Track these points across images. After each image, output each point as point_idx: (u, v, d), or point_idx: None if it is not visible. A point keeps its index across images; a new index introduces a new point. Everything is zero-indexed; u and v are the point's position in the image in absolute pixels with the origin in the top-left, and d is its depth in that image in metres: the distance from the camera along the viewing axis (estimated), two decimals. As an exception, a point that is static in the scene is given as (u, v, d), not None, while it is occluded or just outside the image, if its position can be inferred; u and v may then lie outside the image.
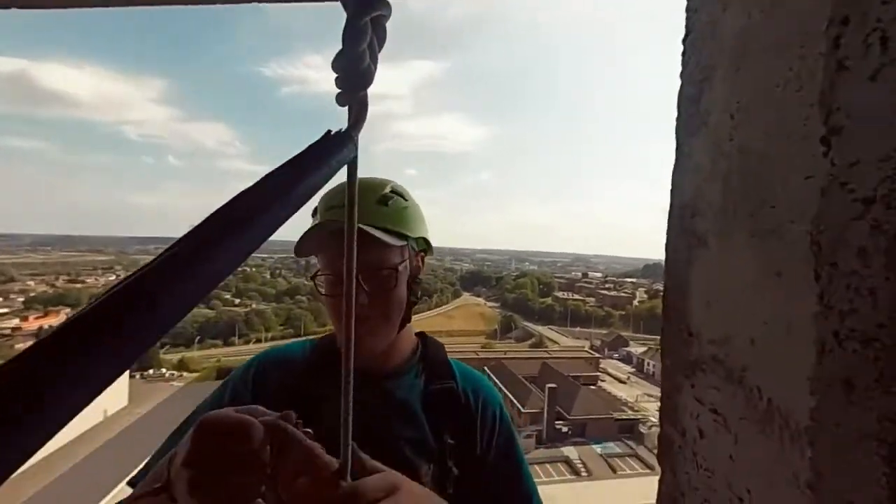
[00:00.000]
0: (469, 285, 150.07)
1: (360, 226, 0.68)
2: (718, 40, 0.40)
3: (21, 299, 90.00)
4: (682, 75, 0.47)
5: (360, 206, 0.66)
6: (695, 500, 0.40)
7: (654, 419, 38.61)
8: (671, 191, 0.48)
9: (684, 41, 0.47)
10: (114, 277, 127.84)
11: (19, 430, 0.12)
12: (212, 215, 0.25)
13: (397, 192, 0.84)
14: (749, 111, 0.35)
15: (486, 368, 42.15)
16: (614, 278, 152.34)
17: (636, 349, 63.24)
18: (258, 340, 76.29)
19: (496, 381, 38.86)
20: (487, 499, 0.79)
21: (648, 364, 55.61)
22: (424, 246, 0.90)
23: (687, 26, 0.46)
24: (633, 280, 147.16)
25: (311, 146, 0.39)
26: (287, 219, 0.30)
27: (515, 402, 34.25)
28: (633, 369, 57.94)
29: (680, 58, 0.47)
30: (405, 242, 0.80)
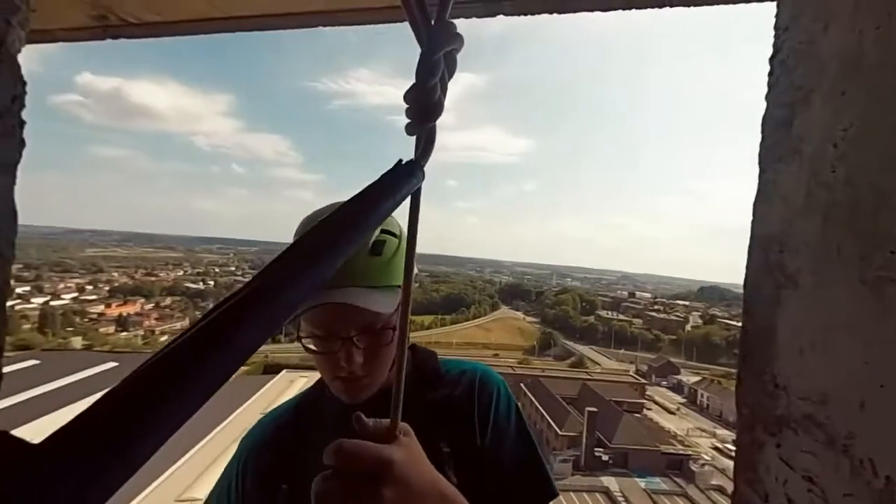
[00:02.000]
0: (508, 298, 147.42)
1: (351, 297, 0.68)
2: (817, 60, 0.36)
3: (107, 288, 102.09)
4: (768, 97, 0.42)
5: (351, 260, 0.63)
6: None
7: (708, 457, 35.21)
8: (752, 221, 0.42)
9: (772, 60, 0.42)
10: (181, 273, 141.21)
11: (124, 454, 0.14)
12: (290, 248, 0.28)
13: (388, 230, 0.78)
14: (859, 139, 0.31)
15: (522, 385, 40.89)
16: (664, 300, 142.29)
17: (688, 378, 58.22)
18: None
19: (532, 398, 37.56)
20: (499, 490, 0.76)
21: (702, 396, 50.83)
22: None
23: (775, 45, 0.42)
24: (687, 303, 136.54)
25: (384, 175, 0.42)
26: (359, 243, 0.33)
27: (552, 423, 32.76)
28: (684, 400, 53.25)
29: (766, 77, 0.42)
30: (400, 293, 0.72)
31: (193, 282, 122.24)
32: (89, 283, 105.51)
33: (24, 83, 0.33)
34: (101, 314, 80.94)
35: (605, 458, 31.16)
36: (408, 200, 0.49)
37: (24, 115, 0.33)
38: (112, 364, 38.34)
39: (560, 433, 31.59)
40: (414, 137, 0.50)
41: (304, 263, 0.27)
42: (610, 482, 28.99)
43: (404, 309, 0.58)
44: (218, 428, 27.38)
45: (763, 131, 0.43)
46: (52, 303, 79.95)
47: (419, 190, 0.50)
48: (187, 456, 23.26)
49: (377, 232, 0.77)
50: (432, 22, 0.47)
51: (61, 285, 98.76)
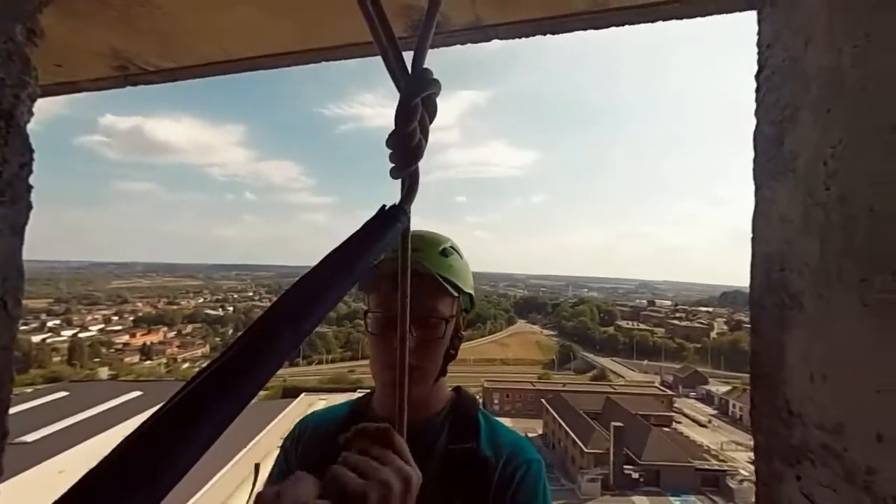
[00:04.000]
0: (524, 312, 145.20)
1: (423, 267, 0.73)
2: (802, 78, 0.35)
3: (132, 318, 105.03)
4: (757, 113, 0.41)
5: (425, 254, 0.80)
6: None
7: (746, 472, 33.18)
8: (752, 237, 0.41)
9: (758, 76, 0.41)
10: (201, 300, 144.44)
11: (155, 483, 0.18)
12: (276, 304, 0.28)
13: (455, 249, 0.89)
14: (848, 157, 0.31)
15: (543, 401, 39.74)
16: (686, 307, 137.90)
17: (718, 388, 55.63)
18: (320, 362, 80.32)
19: (555, 414, 36.38)
20: None
21: (734, 406, 48.37)
22: (469, 305, 0.92)
23: (759, 62, 0.41)
24: (710, 309, 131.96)
25: (367, 222, 0.43)
26: (346, 293, 0.34)
27: (577, 440, 31.55)
28: (715, 411, 50.77)
29: (753, 93, 0.41)
30: (458, 295, 0.82)
31: (213, 308, 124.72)
32: (115, 314, 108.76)
33: (31, 151, 0.35)
34: (126, 344, 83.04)
35: (635, 475, 29.70)
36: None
37: (40, 160, 0.35)
38: (137, 393, 38.97)
39: (586, 450, 30.36)
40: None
41: (289, 318, 0.26)
42: (642, 502, 27.54)
43: (402, 336, 0.57)
44: (242, 452, 27.38)
45: (755, 148, 0.42)
46: (80, 335, 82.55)
47: (407, 231, 0.51)
48: (213, 481, 23.21)
49: (447, 244, 0.87)
50: (409, 70, 0.49)
51: (89, 317, 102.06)
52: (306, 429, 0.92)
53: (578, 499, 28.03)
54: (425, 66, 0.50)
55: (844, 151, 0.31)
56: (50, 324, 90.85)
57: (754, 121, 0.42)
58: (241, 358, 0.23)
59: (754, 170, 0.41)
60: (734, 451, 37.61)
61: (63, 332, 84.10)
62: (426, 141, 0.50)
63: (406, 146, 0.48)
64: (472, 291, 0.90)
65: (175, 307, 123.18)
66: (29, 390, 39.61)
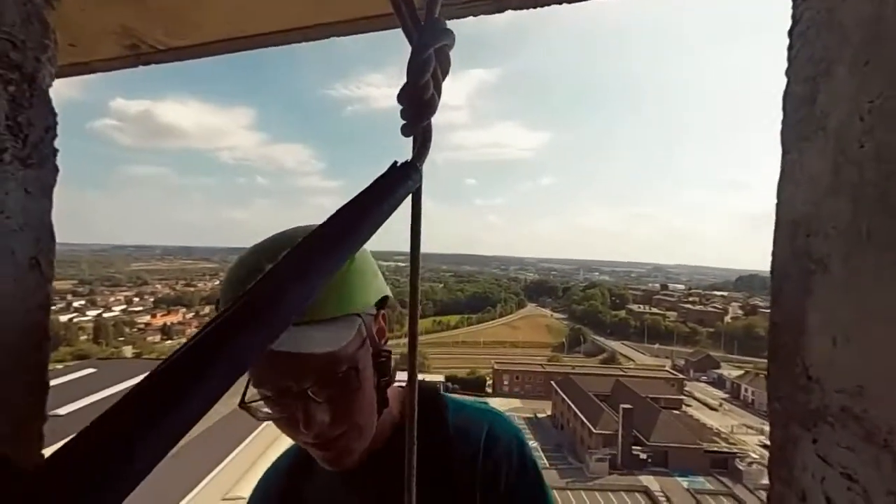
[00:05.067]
0: (534, 295, 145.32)
1: (291, 343, 0.52)
2: (838, 29, 0.34)
3: (152, 300, 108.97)
4: (788, 72, 0.39)
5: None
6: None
7: (756, 455, 33.33)
8: (777, 205, 0.40)
9: (791, 32, 0.39)
10: (217, 282, 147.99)
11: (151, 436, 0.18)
12: (282, 260, 0.27)
13: None
14: (887, 111, 0.30)
15: (553, 383, 40.21)
16: (700, 291, 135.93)
17: (730, 372, 55.33)
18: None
19: (564, 395, 36.86)
20: None
21: (746, 390, 48.15)
22: (381, 303, 0.67)
23: (794, 16, 0.39)
24: (724, 293, 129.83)
25: (377, 179, 0.41)
26: (355, 251, 0.33)
27: (586, 421, 31.99)
28: (727, 395, 50.65)
29: (786, 52, 0.40)
30: (360, 320, 0.60)
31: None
32: (136, 296, 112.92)
33: (55, 115, 0.35)
34: (147, 324, 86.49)
35: (643, 456, 30.10)
36: (409, 204, 0.47)
37: (58, 143, 0.35)
38: (159, 370, 41.01)
39: (594, 431, 30.81)
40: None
41: (295, 277, 0.26)
42: (650, 482, 27.98)
43: (412, 340, 0.51)
44: (256, 430, 28.67)
45: (784, 109, 0.40)
46: (104, 315, 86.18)
47: (419, 192, 0.48)
48: (230, 457, 24.41)
49: None
50: (422, 21, 0.47)
51: (112, 298, 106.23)
52: (257, 493, 0.79)
53: (586, 477, 28.64)
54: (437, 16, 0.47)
55: (884, 105, 0.30)
56: (76, 304, 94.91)
57: (784, 81, 0.40)
58: (247, 313, 0.23)
59: (782, 133, 0.40)
60: (745, 435, 37.68)
61: (88, 313, 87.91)
62: (439, 96, 0.48)
63: (419, 100, 0.46)
64: (381, 293, 0.66)
65: (192, 289, 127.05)
66: (60, 367, 41.88)
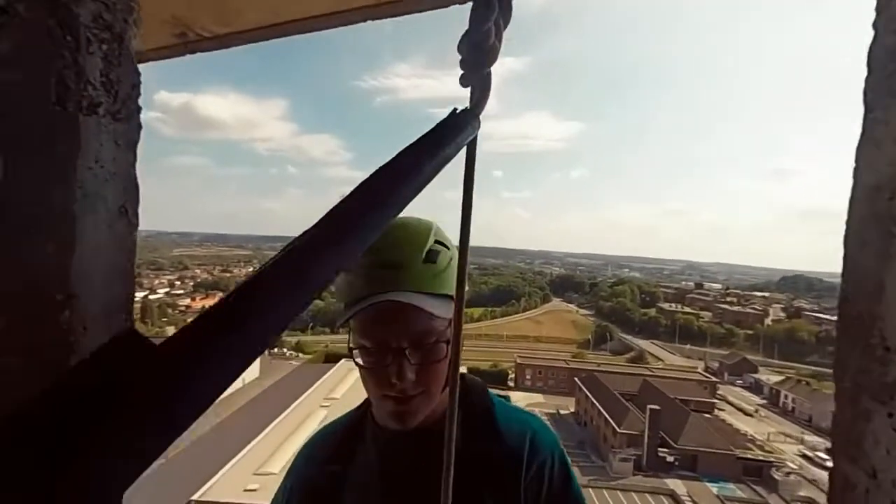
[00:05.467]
0: (559, 290, 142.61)
1: (408, 297, 0.65)
2: None
3: (192, 284, 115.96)
4: (877, 23, 0.37)
5: (405, 271, 0.69)
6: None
7: (794, 465, 31.66)
8: (855, 169, 0.38)
9: None
10: (251, 269, 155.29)
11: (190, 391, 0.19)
12: (352, 192, 0.28)
13: (441, 241, 0.76)
14: None
15: (576, 379, 39.55)
16: (738, 291, 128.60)
17: (768, 377, 52.34)
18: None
19: (588, 393, 36.21)
20: None
21: (786, 397, 45.43)
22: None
23: None
24: (766, 294, 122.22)
25: (438, 124, 0.42)
26: (413, 198, 0.34)
27: (610, 419, 31.32)
28: (764, 401, 48.03)
29: (874, 3, 0.37)
30: (452, 304, 0.71)
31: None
32: (178, 280, 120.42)
33: (139, 73, 0.37)
34: (188, 306, 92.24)
35: (669, 458, 29.16)
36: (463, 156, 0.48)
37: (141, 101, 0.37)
38: (199, 351, 42.99)
39: (619, 431, 30.11)
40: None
41: (365, 208, 0.27)
42: (676, 485, 27.13)
43: (457, 329, 0.56)
44: (287, 411, 29.87)
45: (870, 64, 0.37)
46: (149, 297, 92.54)
47: (475, 141, 0.49)
48: (261, 436, 25.59)
49: (431, 241, 0.74)
50: None
51: (156, 281, 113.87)
52: (302, 467, 0.85)
53: (609, 476, 28.14)
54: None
55: None
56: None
57: (871, 34, 0.37)
58: (323, 236, 0.24)
59: (866, 91, 0.38)
60: (782, 443, 35.67)
61: (137, 295, 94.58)
62: (500, 45, 0.48)
63: (480, 46, 0.46)
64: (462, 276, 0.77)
65: (229, 274, 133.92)
66: (112, 343, 45.37)
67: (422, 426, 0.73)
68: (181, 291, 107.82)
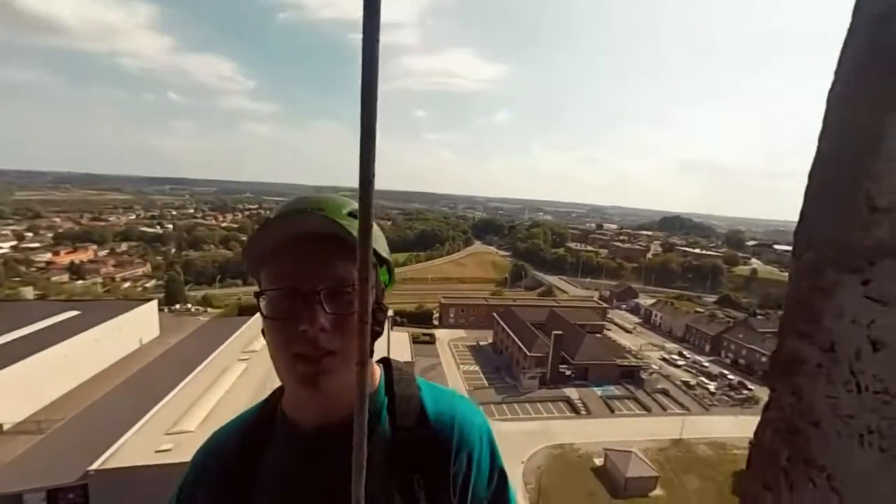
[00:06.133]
0: (481, 233, 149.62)
1: (333, 226, 0.59)
2: None
3: (50, 235, 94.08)
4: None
5: (332, 213, 0.63)
6: (846, 431, 0.31)
7: (656, 366, 40.00)
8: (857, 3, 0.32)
9: None
10: (133, 217, 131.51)
11: None
12: None
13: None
14: None
15: (495, 314, 43.18)
16: (630, 230, 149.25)
17: (645, 301, 63.55)
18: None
19: (504, 325, 39.89)
20: None
21: (656, 315, 56.05)
22: (387, 277, 0.75)
23: None
24: (650, 233, 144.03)
25: None
26: None
27: (522, 346, 35.37)
28: (640, 320, 58.68)
29: None
30: (376, 263, 0.69)
31: (149, 226, 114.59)
32: (28, 230, 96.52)
33: None
34: (49, 262, 75.50)
35: (568, 373, 34.58)
36: None
37: None
38: (74, 312, 36.46)
39: (529, 354, 34.32)
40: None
41: None
42: (571, 392, 32.57)
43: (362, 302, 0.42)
44: (200, 367, 27.51)
45: None
46: (-11, 252, 73.28)
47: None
48: (173, 393, 23.37)
49: (354, 205, 0.68)
50: None
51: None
52: (203, 469, 0.77)
53: (519, 392, 32.42)
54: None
55: None
56: (-54, 240, 79.36)
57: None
58: None
59: None
60: (650, 351, 44.57)
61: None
62: None
63: None
64: (389, 258, 0.74)
65: (103, 223, 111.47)
66: (-62, 312, 35.71)
67: (336, 420, 0.67)
68: (36, 244, 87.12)
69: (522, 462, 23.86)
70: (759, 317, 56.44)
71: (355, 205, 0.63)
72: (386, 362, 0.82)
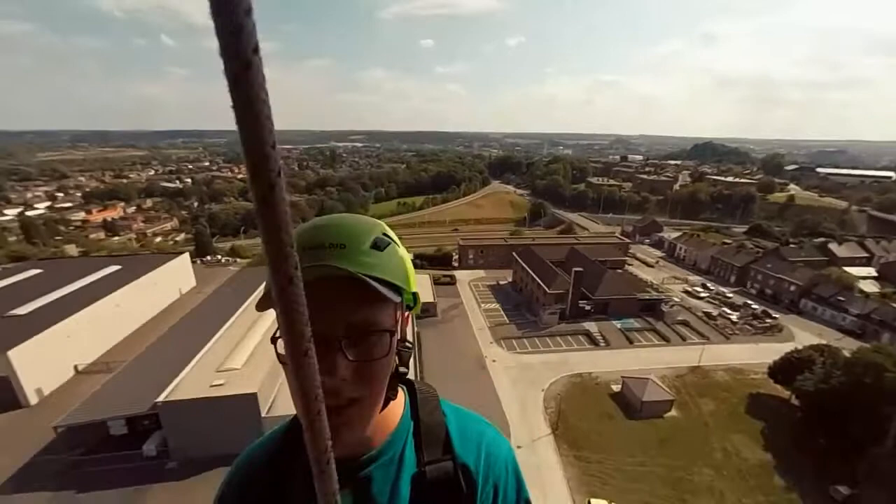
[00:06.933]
0: (498, 172, 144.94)
1: (349, 271, 0.57)
2: None
3: (79, 194, 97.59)
4: None
5: (349, 251, 0.61)
6: None
7: (677, 299, 39.99)
8: None
9: None
10: (153, 172, 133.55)
11: None
12: None
13: (390, 237, 0.69)
14: None
15: (514, 253, 43.23)
16: (656, 160, 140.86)
17: (670, 234, 61.81)
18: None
19: (523, 264, 40.06)
20: None
21: (680, 249, 54.78)
22: (413, 302, 0.72)
23: None
24: (678, 162, 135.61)
25: None
26: None
27: (541, 283, 35.75)
28: (663, 254, 57.64)
29: None
30: (400, 298, 0.65)
31: (169, 181, 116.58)
32: (58, 191, 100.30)
33: None
34: (85, 221, 79.34)
35: (587, 308, 35.14)
36: None
37: None
38: (115, 267, 38.79)
39: (549, 291, 34.78)
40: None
41: None
42: (591, 326, 33.37)
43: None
44: (238, 312, 29.45)
45: None
46: (27, 213, 77.25)
47: None
48: (218, 335, 25.45)
49: (379, 232, 0.67)
50: None
51: (29, 195, 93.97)
52: (233, 490, 0.76)
53: (539, 328, 33.49)
54: None
55: None
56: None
57: None
58: None
59: None
60: (672, 284, 44.34)
61: (6, 212, 78.37)
62: None
63: None
64: (416, 289, 0.71)
65: (125, 180, 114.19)
66: (-3, 270, 38.81)
67: (361, 452, 0.68)
68: (68, 204, 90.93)
69: (543, 389, 25.36)
70: (791, 245, 54.34)
71: (379, 229, 0.64)
72: (409, 385, 0.76)
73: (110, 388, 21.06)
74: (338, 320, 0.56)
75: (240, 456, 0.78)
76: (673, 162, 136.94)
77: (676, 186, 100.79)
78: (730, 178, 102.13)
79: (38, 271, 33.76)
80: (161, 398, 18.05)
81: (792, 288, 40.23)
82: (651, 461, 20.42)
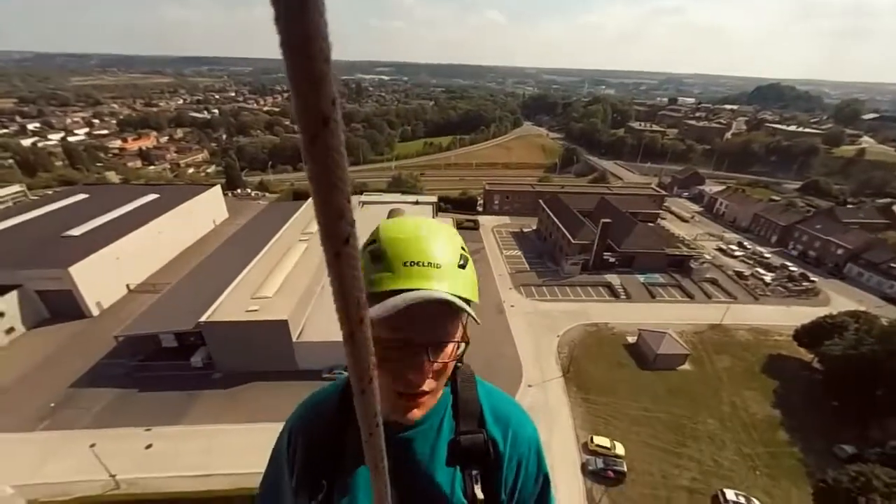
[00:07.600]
0: (531, 113, 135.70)
1: (445, 294, 0.68)
2: None
3: (114, 121, 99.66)
4: None
5: (446, 268, 0.72)
6: None
7: (709, 256, 38.29)
8: None
9: None
10: (181, 101, 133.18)
11: None
12: None
13: (466, 252, 0.81)
14: None
15: (540, 201, 41.85)
16: (710, 105, 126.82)
17: (711, 188, 57.62)
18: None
19: (549, 212, 38.92)
20: None
21: (720, 204, 51.32)
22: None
23: None
24: (735, 107, 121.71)
25: None
26: None
27: (567, 233, 34.93)
28: (701, 209, 54.34)
29: None
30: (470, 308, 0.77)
31: (197, 111, 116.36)
32: (94, 117, 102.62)
33: None
34: (121, 149, 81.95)
35: (612, 260, 34.43)
36: None
37: None
38: (154, 195, 40.68)
39: (573, 241, 34.05)
40: None
41: None
42: (613, 278, 32.98)
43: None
44: (269, 244, 30.81)
45: None
46: (69, 139, 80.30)
47: None
48: (252, 264, 26.99)
49: (461, 248, 0.78)
50: None
51: (68, 120, 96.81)
52: (298, 434, 0.89)
53: (560, 277, 33.42)
54: None
55: None
56: (31, 127, 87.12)
57: None
58: None
59: None
60: (706, 241, 42.38)
61: (50, 137, 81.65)
62: None
63: None
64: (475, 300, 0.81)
65: (155, 109, 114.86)
66: (50, 192, 41.56)
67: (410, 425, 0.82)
68: (105, 131, 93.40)
69: (558, 335, 26.02)
70: (849, 206, 49.83)
71: (460, 243, 0.75)
72: (454, 369, 0.89)
73: (159, 306, 23.24)
74: (428, 331, 0.69)
75: (305, 398, 0.92)
76: (729, 107, 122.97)
77: (728, 135, 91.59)
78: (792, 128, 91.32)
79: (85, 195, 35.89)
80: (203, 318, 19.83)
81: (839, 251, 37.62)
82: (657, 408, 21.21)
